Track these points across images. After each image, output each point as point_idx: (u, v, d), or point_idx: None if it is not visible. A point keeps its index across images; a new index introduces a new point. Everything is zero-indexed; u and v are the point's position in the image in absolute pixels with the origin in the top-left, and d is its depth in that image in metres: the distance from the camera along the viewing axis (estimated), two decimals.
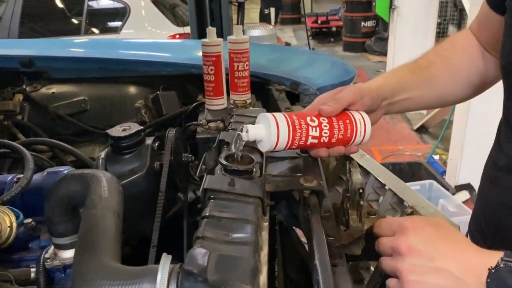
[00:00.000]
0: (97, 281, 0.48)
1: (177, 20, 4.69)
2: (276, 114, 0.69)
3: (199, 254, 0.48)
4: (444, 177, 3.29)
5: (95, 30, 4.64)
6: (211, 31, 1.24)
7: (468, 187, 3.19)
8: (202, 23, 2.33)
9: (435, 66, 0.86)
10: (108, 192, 0.65)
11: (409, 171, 3.22)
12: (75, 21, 4.73)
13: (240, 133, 0.66)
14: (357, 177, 0.71)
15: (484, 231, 0.82)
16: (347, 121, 0.72)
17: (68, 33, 4.55)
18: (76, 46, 1.73)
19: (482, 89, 0.89)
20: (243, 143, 0.67)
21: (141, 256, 0.94)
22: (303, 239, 1.06)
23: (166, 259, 0.48)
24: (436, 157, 3.78)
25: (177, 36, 4.37)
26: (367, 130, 0.74)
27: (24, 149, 0.93)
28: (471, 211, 2.55)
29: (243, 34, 1.30)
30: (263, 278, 0.53)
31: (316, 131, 0.70)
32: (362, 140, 0.75)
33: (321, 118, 0.71)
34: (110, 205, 0.62)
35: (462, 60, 0.87)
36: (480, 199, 0.86)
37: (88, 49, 1.68)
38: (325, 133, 0.70)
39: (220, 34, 2.24)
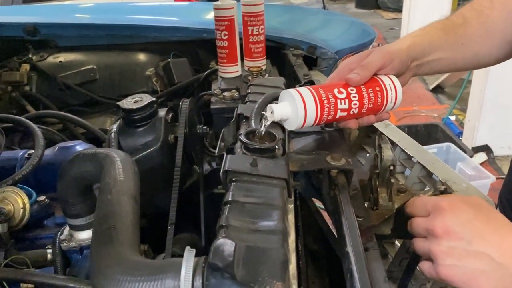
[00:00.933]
0: (117, 276, 0.45)
1: None
2: (301, 89, 0.63)
3: (225, 246, 0.45)
4: (461, 138, 3.22)
5: None
6: None
7: (485, 148, 3.12)
8: None
9: (470, 24, 0.79)
10: (123, 174, 0.61)
11: (425, 133, 3.15)
12: None
13: (265, 113, 0.61)
14: (388, 153, 0.66)
15: None
16: (377, 89, 0.67)
17: None
18: (82, 11, 1.65)
19: None
20: (268, 123, 0.62)
21: (156, 228, 0.92)
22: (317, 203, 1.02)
23: (190, 253, 0.44)
24: (453, 117, 3.69)
25: None
26: (399, 95, 0.69)
27: (33, 125, 0.89)
28: (489, 174, 2.49)
29: None
30: (292, 268, 0.50)
31: (345, 104, 0.64)
32: (393, 107, 0.71)
33: (349, 89, 0.65)
34: (126, 188, 0.59)
35: (501, 17, 0.80)
36: (510, 174, 0.81)
37: (94, 15, 1.61)
38: (355, 104, 0.65)
39: None
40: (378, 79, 0.68)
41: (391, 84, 0.68)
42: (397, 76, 0.70)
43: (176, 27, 1.38)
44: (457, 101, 3.66)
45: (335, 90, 0.64)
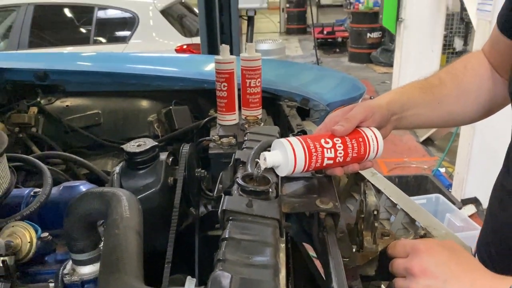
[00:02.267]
0: None
1: (185, 31, 4.74)
2: (291, 139, 0.70)
3: (222, 277, 0.50)
4: (450, 190, 3.29)
5: (104, 39, 4.68)
6: (225, 48, 1.26)
7: (474, 201, 3.18)
8: (212, 37, 2.36)
9: (445, 85, 0.88)
10: (129, 211, 0.66)
11: (415, 184, 3.22)
12: (84, 30, 4.78)
13: (258, 160, 0.68)
14: (372, 199, 0.73)
15: (492, 253, 0.83)
16: (360, 139, 0.74)
17: (77, 42, 4.60)
18: (89, 59, 1.75)
19: (491, 112, 0.90)
20: (261, 170, 0.68)
21: (151, 267, 0.96)
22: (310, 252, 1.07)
23: (190, 282, 0.49)
24: (442, 170, 3.77)
25: (185, 46, 4.41)
26: (380, 145, 0.76)
27: (42, 164, 0.95)
28: (477, 226, 2.55)
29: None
30: None
31: (331, 152, 0.71)
32: (375, 156, 0.77)
33: (334, 139, 0.72)
34: (131, 224, 0.64)
35: (473, 82, 0.88)
36: (488, 221, 0.87)
37: (101, 63, 1.71)
38: (340, 153, 0.72)
39: (230, 47, 2.26)
40: (361, 131, 0.75)
41: (372, 135, 0.75)
42: (379, 128, 0.77)
43: (178, 77, 1.48)
44: (446, 153, 3.76)
45: (322, 140, 0.71)
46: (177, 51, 4.37)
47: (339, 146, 0.71)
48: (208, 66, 1.64)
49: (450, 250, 0.62)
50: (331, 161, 0.72)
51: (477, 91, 0.88)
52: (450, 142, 3.71)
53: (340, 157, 0.72)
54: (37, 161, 0.97)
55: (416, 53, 4.66)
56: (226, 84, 1.27)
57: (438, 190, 3.00)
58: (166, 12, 4.60)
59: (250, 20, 2.58)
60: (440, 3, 4.65)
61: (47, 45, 4.51)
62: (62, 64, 1.57)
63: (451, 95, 0.86)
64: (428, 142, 4.56)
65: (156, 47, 4.37)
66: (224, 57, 1.26)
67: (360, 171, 1.03)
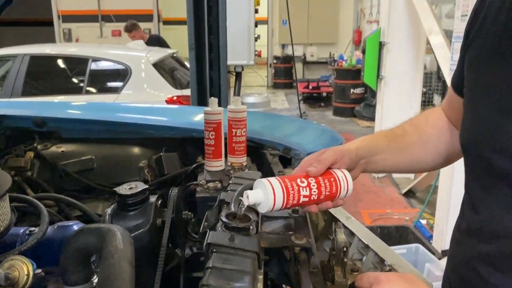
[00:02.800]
0: None
1: (175, 83, 4.91)
2: (271, 179, 0.80)
3: None
4: (431, 241, 3.36)
5: (96, 90, 4.82)
6: (213, 101, 1.38)
7: None
8: (202, 90, 2.51)
9: (408, 135, 0.99)
10: (123, 244, 0.74)
11: (397, 235, 3.29)
12: (77, 80, 4.93)
13: (241, 198, 0.77)
14: (341, 236, 0.81)
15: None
16: (332, 179, 0.83)
17: (70, 92, 4.74)
18: (85, 108, 1.86)
19: (450, 161, 1.01)
20: (244, 207, 0.77)
21: None
22: None
23: None
24: (424, 221, 3.86)
25: (175, 97, 4.56)
26: (349, 185, 0.85)
27: (40, 204, 1.02)
28: None
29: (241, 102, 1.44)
30: None
31: (306, 191, 0.80)
32: (346, 194, 0.86)
33: (309, 179, 0.82)
34: (125, 255, 0.71)
35: (433, 133, 1.00)
36: (448, 260, 0.95)
37: (96, 112, 1.81)
38: (314, 191, 0.81)
39: (218, 99, 2.39)
40: (333, 172, 0.84)
41: (343, 176, 0.84)
42: (349, 170, 0.86)
43: (169, 126, 1.58)
44: (427, 205, 3.87)
45: (298, 180, 0.80)
46: (167, 102, 4.52)
47: (313, 185, 0.80)
48: (197, 117, 1.75)
49: (409, 282, 0.70)
50: (307, 199, 0.81)
51: (436, 141, 0.99)
52: (429, 194, 3.83)
53: (315, 195, 0.81)
54: (35, 200, 1.04)
55: (396, 109, 4.87)
56: (214, 133, 1.37)
57: (419, 241, 3.07)
58: (158, 65, 4.79)
59: (238, 76, 2.74)
60: (418, 63, 4.94)
61: (40, 94, 4.63)
62: (59, 112, 1.67)
63: (413, 144, 0.97)
64: (409, 194, 4.67)
65: (147, 98, 4.52)
66: (213, 108, 1.37)
67: (336, 216, 1.13)
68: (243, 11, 2.49)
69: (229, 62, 2.52)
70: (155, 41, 6.40)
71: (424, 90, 5.59)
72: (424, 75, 5.35)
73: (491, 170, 0.75)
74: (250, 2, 2.48)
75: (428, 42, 4.37)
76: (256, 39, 2.58)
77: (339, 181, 0.83)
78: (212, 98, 1.39)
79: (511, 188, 0.71)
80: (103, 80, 4.95)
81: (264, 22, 11.23)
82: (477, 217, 0.79)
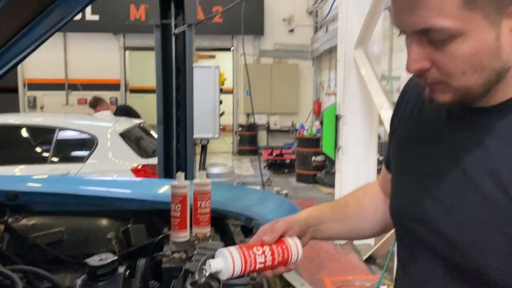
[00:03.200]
0: None
1: (141, 151, 5.00)
2: (230, 248, 0.91)
3: None
4: None
5: (61, 159, 4.83)
6: (180, 175, 1.51)
7: None
8: (169, 161, 2.63)
9: (350, 206, 1.13)
10: None
11: None
12: (42, 150, 4.94)
13: (204, 266, 0.88)
14: None
15: None
16: (284, 247, 0.95)
17: (35, 161, 4.73)
18: (55, 182, 1.94)
19: (386, 229, 1.15)
20: (206, 274, 0.88)
21: None
22: None
23: None
24: (384, 287, 3.96)
25: (139, 166, 4.62)
26: (299, 251, 0.96)
27: (15, 275, 1.08)
28: None
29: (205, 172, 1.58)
30: None
31: (262, 258, 0.92)
32: (296, 259, 0.97)
33: (264, 247, 0.94)
34: None
35: (370, 205, 1.14)
36: None
37: (66, 185, 1.89)
38: (269, 258, 0.93)
39: (184, 170, 2.51)
40: (285, 240, 0.97)
41: (294, 243, 0.97)
42: (299, 238, 0.98)
43: (136, 199, 1.68)
44: (386, 271, 3.99)
45: (254, 248, 0.92)
46: (132, 170, 4.58)
47: (268, 253, 0.93)
48: (163, 189, 1.87)
49: None
50: (262, 265, 0.92)
51: (374, 212, 1.14)
52: (387, 261, 3.96)
53: (269, 261, 0.93)
54: (9, 271, 1.10)
55: (354, 177, 5.12)
56: (180, 206, 1.49)
57: None
58: (124, 135, 4.90)
59: (204, 148, 2.90)
60: (372, 133, 5.28)
61: (3, 164, 4.60)
62: (31, 186, 1.74)
63: (354, 214, 1.12)
64: (370, 260, 4.79)
65: (112, 167, 4.57)
66: (179, 182, 1.49)
67: (292, 282, 1.24)
68: (209, 89, 2.70)
69: (195, 135, 2.68)
70: (123, 111, 6.55)
71: (380, 158, 5.92)
72: (379, 144, 5.69)
73: (414, 237, 0.89)
74: (215, 81, 2.70)
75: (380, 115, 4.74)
76: (221, 115, 2.78)
77: (291, 248, 0.96)
78: (179, 172, 1.52)
79: (431, 253, 0.85)
80: (68, 150, 4.98)
81: (230, 92, 11.70)
82: (406, 278, 0.93)
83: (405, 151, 0.96)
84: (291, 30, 12.06)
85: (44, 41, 1.11)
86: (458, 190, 0.78)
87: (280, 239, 0.96)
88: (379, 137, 5.87)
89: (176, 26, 2.62)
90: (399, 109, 1.02)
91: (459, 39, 0.68)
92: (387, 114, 4.07)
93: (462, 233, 0.76)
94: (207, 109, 2.71)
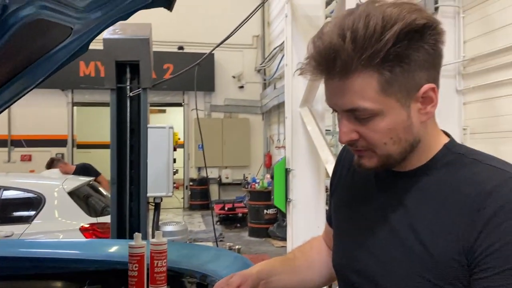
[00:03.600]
0: None
1: (90, 210, 4.90)
2: None
3: None
4: None
5: (4, 220, 4.62)
6: (137, 236, 1.57)
7: None
8: (122, 220, 2.65)
9: (298, 259, 1.23)
10: None
11: None
12: None
13: None
14: None
15: None
16: None
17: None
18: (5, 245, 1.91)
19: (332, 280, 1.27)
20: None
21: None
22: None
23: None
24: None
25: (87, 225, 4.51)
26: None
27: None
28: None
29: (159, 230, 1.64)
30: None
31: None
32: None
33: None
34: None
35: (316, 258, 1.25)
36: None
37: (17, 248, 1.88)
38: None
39: (137, 230, 2.54)
40: None
41: None
42: None
43: (93, 259, 1.71)
44: None
45: None
46: (81, 230, 4.46)
47: None
48: (118, 249, 1.90)
49: None
50: None
51: (319, 265, 1.24)
52: None
53: None
54: None
55: (305, 229, 5.25)
56: (137, 265, 1.54)
57: None
58: (73, 193, 4.80)
59: (157, 207, 2.95)
60: (320, 186, 5.50)
61: None
62: None
63: (301, 267, 1.22)
64: None
65: (60, 226, 4.43)
66: (137, 242, 1.55)
67: None
68: (163, 148, 2.80)
69: (149, 194, 2.73)
70: (82, 170, 6.38)
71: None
72: (326, 196, 5.91)
73: (353, 287, 1.01)
74: (169, 141, 2.80)
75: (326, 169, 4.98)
76: (174, 173, 2.86)
77: None
78: (136, 233, 1.58)
79: None
80: (13, 210, 4.79)
81: (181, 146, 11.76)
82: None
83: (343, 210, 1.10)
84: (241, 87, 12.51)
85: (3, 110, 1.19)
86: (387, 243, 0.91)
87: None
88: (326, 189, 6.11)
89: (131, 89, 2.73)
90: (336, 173, 1.18)
91: (378, 117, 0.85)
92: (332, 167, 4.30)
93: (392, 281, 0.89)
94: (161, 168, 2.79)
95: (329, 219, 1.23)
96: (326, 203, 5.91)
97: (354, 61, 0.80)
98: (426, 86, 0.84)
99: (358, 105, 0.83)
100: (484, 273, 0.77)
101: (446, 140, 0.94)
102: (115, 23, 1.59)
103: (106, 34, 2.59)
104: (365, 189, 1.02)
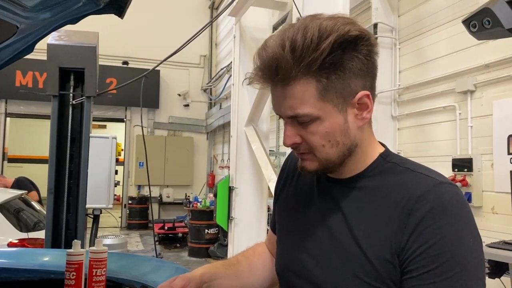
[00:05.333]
0: None
1: (21, 225, 4.62)
2: None
3: None
4: None
5: None
6: (76, 243, 1.52)
7: None
8: (58, 232, 2.53)
9: (241, 264, 1.25)
10: None
11: None
12: None
13: None
14: None
15: None
16: None
17: None
18: None
19: (274, 285, 1.30)
20: None
21: None
22: None
23: None
24: None
25: (16, 241, 4.26)
26: None
27: None
28: None
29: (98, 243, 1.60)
30: None
31: None
32: None
33: None
34: None
35: (259, 263, 1.27)
36: None
37: None
38: None
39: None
40: None
41: None
42: None
43: (28, 269, 1.62)
44: None
45: None
46: (9, 246, 4.18)
47: None
48: (53, 259, 1.82)
49: None
50: None
51: (262, 270, 1.27)
52: None
53: None
54: None
55: (246, 247, 5.28)
56: (75, 274, 1.48)
57: None
58: (2, 207, 4.52)
59: (96, 218, 2.85)
60: (262, 204, 5.57)
61: None
62: None
63: (244, 271, 1.24)
64: None
65: None
66: (75, 250, 1.50)
67: None
68: (105, 159, 2.73)
69: (88, 205, 2.64)
70: (20, 184, 5.99)
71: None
72: (268, 215, 5.99)
73: None
74: (112, 152, 2.74)
75: (269, 187, 5.06)
76: (116, 185, 2.79)
77: None
78: (76, 240, 1.53)
79: None
80: None
81: (121, 163, 11.42)
82: None
83: (286, 215, 1.15)
84: (186, 105, 12.46)
85: None
86: (326, 246, 0.96)
87: None
88: (268, 209, 6.19)
89: (74, 97, 2.66)
90: (281, 179, 1.22)
91: (318, 121, 0.91)
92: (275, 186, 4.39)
93: (332, 283, 0.93)
94: (101, 179, 2.72)
95: (273, 226, 1.27)
96: (268, 222, 5.97)
97: (294, 68, 0.86)
98: (361, 93, 0.91)
99: (298, 111, 0.89)
100: (412, 273, 0.83)
101: (381, 149, 1.02)
102: (63, 26, 1.57)
103: (51, 39, 2.52)
104: (307, 195, 1.07)
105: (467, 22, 2.62)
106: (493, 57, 3.66)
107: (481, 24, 2.54)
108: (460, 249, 0.83)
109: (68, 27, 1.64)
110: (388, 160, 0.99)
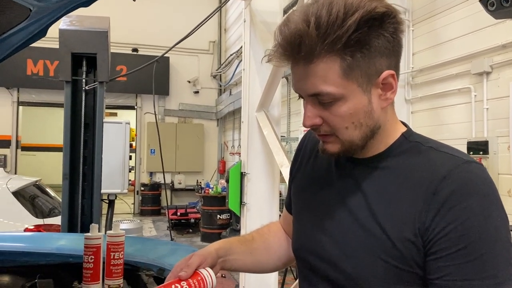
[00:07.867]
0: None
1: (37, 211, 4.68)
2: None
3: None
4: None
5: None
6: (94, 227, 1.53)
7: None
8: (73, 217, 2.56)
9: (255, 241, 1.24)
10: None
11: None
12: None
13: None
14: None
15: None
16: (199, 278, 1.02)
17: None
18: None
19: (288, 264, 1.28)
20: None
21: None
22: None
23: None
24: None
25: (31, 226, 4.32)
26: (213, 279, 1.04)
27: None
28: None
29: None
30: None
31: None
32: (212, 287, 1.04)
33: (181, 282, 1.01)
34: None
35: (274, 241, 1.26)
36: None
37: None
38: None
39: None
40: (199, 272, 1.04)
41: (208, 274, 1.04)
42: (211, 267, 1.05)
43: (45, 252, 1.64)
44: None
45: (173, 286, 1.00)
46: (25, 231, 4.25)
47: (186, 287, 1.01)
48: (71, 243, 1.84)
49: None
50: None
51: (277, 248, 1.26)
52: None
53: None
54: None
55: None
56: (93, 257, 1.49)
57: None
58: (18, 193, 4.58)
59: (111, 203, 2.87)
60: (274, 190, 5.56)
61: None
62: None
63: (259, 249, 1.23)
64: None
65: (3, 228, 4.20)
66: (93, 233, 1.51)
67: None
68: (119, 144, 2.73)
69: (103, 191, 2.66)
70: None
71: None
72: (280, 201, 5.99)
73: (313, 270, 1.03)
74: (126, 137, 2.75)
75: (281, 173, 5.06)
76: (130, 170, 2.80)
77: (205, 278, 1.04)
78: (93, 224, 1.54)
79: (327, 281, 0.99)
80: None
81: (133, 150, 11.49)
82: None
83: (302, 195, 1.13)
84: (196, 92, 12.45)
85: None
86: (346, 226, 0.95)
87: (195, 272, 1.05)
88: (280, 194, 6.19)
89: (86, 83, 2.66)
90: (297, 159, 1.21)
91: (340, 102, 0.89)
92: (287, 171, 4.38)
93: (350, 262, 0.92)
94: (116, 164, 2.73)
95: (288, 206, 1.26)
96: (280, 207, 5.98)
97: (318, 46, 0.83)
98: (386, 73, 0.88)
99: (321, 89, 0.87)
100: (438, 254, 0.82)
101: (403, 129, 1.00)
102: (76, 8, 1.55)
103: (63, 24, 2.51)
104: (325, 175, 1.05)
105: (485, 1, 2.55)
106: (511, 37, 3.57)
107: (499, 3, 2.47)
108: (487, 228, 0.81)
109: (79, 11, 1.62)
110: (411, 140, 0.96)
